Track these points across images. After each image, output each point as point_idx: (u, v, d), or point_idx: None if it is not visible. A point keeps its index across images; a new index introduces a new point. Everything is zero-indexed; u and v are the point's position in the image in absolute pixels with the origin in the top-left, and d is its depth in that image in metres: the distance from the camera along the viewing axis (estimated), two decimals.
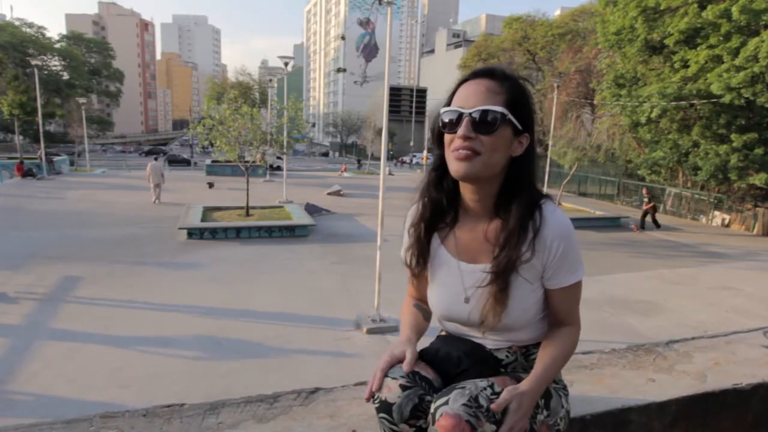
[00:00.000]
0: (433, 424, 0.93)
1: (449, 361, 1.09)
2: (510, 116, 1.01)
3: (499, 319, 1.07)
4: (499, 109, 1.00)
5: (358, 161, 45.02)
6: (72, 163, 32.71)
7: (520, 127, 1.03)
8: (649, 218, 16.41)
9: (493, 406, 0.93)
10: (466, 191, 1.09)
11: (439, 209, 1.14)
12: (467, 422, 0.90)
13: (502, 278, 1.05)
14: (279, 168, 37.93)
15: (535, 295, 1.10)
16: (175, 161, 42.22)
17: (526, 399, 0.96)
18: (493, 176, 1.05)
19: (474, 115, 1.00)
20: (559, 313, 1.12)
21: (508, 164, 1.06)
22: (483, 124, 1.00)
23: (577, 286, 1.10)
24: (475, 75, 1.05)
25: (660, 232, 16.44)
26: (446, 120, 1.04)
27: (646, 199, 16.42)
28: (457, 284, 1.12)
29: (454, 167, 1.03)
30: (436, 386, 1.04)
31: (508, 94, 1.02)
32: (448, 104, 1.06)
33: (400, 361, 1.03)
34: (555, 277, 1.08)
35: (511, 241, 1.04)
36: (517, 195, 1.06)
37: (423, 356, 1.12)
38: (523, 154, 1.06)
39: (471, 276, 1.10)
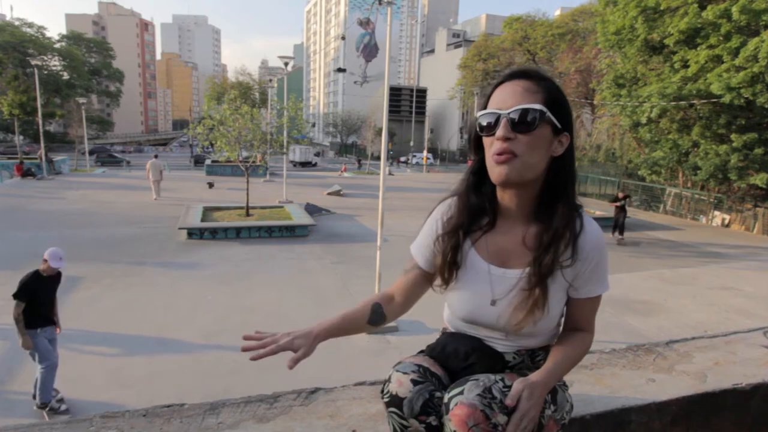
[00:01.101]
0: (447, 413, 0.93)
1: (456, 356, 1.09)
2: (549, 114, 1.00)
3: (535, 324, 1.06)
4: (537, 106, 0.99)
5: (359, 161, 44.86)
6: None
7: (559, 125, 1.02)
8: (629, 219, 14.96)
9: (507, 401, 0.93)
10: (506, 195, 1.08)
11: (477, 214, 1.12)
12: (482, 412, 0.90)
13: (544, 282, 1.04)
14: (315, 164, 42.39)
15: (561, 304, 1.10)
16: (203, 162, 34.92)
17: (537, 388, 0.96)
18: (534, 178, 1.03)
19: (512, 115, 0.99)
20: (578, 320, 1.12)
21: (549, 165, 1.04)
22: (522, 123, 0.99)
23: (600, 297, 1.11)
24: (511, 76, 1.04)
25: (660, 232, 16.43)
26: (484, 123, 1.03)
27: (621, 203, 14.13)
28: (486, 288, 1.10)
29: (495, 172, 1.02)
30: (445, 383, 1.04)
31: (545, 93, 1.01)
32: (484, 108, 1.05)
33: (288, 349, 1.02)
34: (584, 287, 1.08)
35: (556, 244, 1.03)
36: (559, 197, 1.05)
37: (430, 352, 1.12)
38: (563, 154, 1.04)
39: (501, 280, 1.08)
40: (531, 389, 0.95)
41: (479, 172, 1.11)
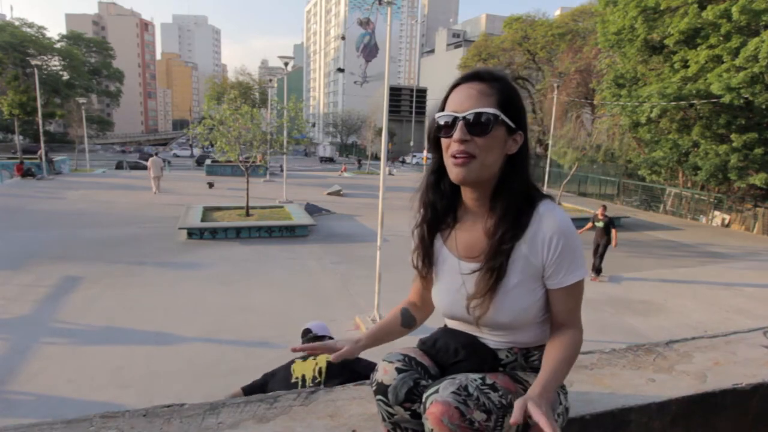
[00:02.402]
0: (425, 412, 0.95)
1: (446, 351, 1.12)
2: (502, 116, 1.04)
3: (486, 309, 1.08)
4: (491, 110, 1.03)
5: (359, 161, 44.97)
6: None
7: (513, 125, 1.06)
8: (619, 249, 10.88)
9: (512, 420, 0.87)
10: (466, 191, 1.12)
11: (439, 211, 1.16)
12: (456, 408, 0.92)
13: (491, 266, 1.07)
14: (334, 160, 51.01)
15: (535, 295, 1.09)
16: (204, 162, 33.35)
17: (543, 401, 0.91)
18: (491, 176, 1.07)
19: (468, 117, 1.03)
20: (559, 314, 1.11)
21: (505, 162, 1.08)
22: (477, 125, 1.03)
23: (577, 287, 1.09)
24: (465, 79, 1.09)
25: (660, 232, 16.42)
26: (441, 124, 1.07)
27: (600, 224, 9.99)
28: (458, 282, 1.13)
29: (453, 173, 1.06)
30: (432, 373, 1.07)
31: (499, 95, 1.05)
32: (442, 109, 1.09)
33: (334, 350, 1.13)
34: (555, 276, 1.07)
35: (499, 230, 1.07)
36: (513, 190, 1.08)
37: (421, 346, 1.16)
38: (518, 151, 1.09)
39: (471, 273, 1.11)
40: (536, 401, 0.89)
41: (438, 171, 1.14)
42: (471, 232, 1.13)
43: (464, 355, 1.10)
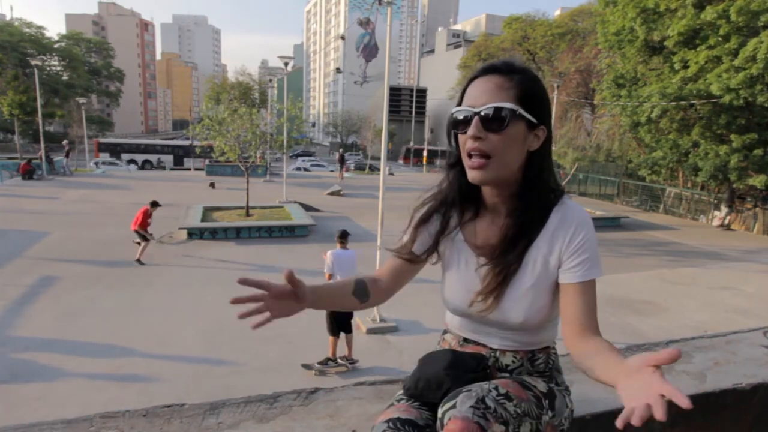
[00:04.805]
0: (442, 429, 0.90)
1: (430, 388, 1.05)
2: (521, 111, 0.99)
3: (489, 306, 1.05)
4: (508, 105, 0.97)
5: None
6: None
7: (534, 120, 1.01)
8: None
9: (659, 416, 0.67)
10: (487, 189, 1.08)
11: (457, 204, 1.13)
12: (476, 423, 0.87)
13: (502, 263, 1.04)
14: (346, 160, 46.05)
15: (550, 295, 1.06)
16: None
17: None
18: (511, 175, 1.03)
19: (484, 113, 0.98)
20: (582, 314, 0.99)
21: (527, 159, 1.04)
22: (493, 122, 0.98)
23: (594, 286, 1.04)
24: (483, 72, 1.03)
25: (660, 232, 16.42)
26: (459, 119, 1.02)
27: None
28: (474, 280, 1.09)
29: (470, 174, 1.02)
30: (421, 425, 1.01)
31: (518, 88, 1.00)
32: (460, 103, 1.04)
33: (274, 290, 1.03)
34: (575, 269, 1.02)
35: (516, 228, 1.04)
36: (536, 188, 1.05)
37: (406, 392, 1.09)
38: (540, 147, 1.04)
39: (484, 268, 1.09)
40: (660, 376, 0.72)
41: (459, 164, 1.09)
42: (490, 229, 1.09)
43: (450, 383, 1.02)
